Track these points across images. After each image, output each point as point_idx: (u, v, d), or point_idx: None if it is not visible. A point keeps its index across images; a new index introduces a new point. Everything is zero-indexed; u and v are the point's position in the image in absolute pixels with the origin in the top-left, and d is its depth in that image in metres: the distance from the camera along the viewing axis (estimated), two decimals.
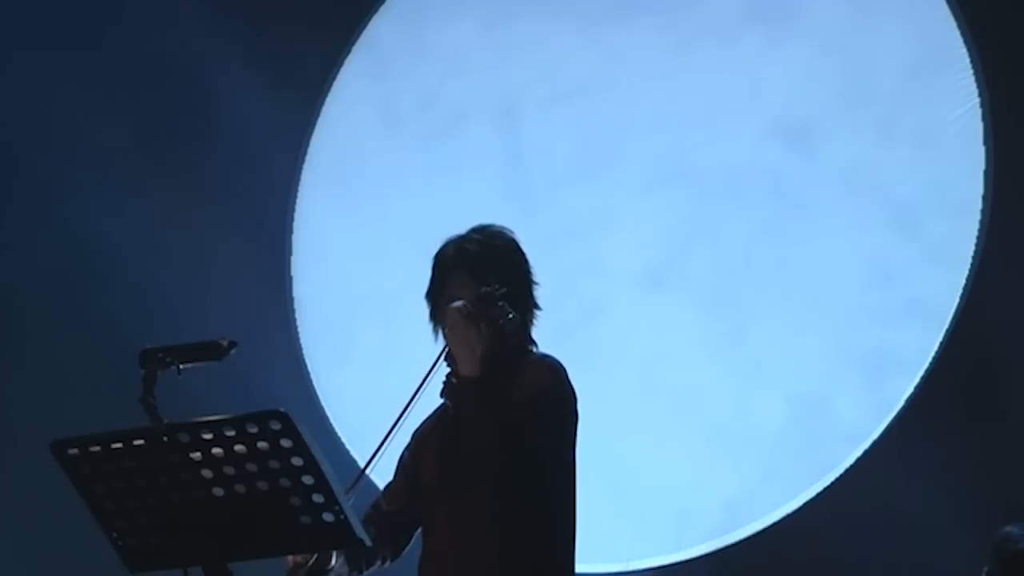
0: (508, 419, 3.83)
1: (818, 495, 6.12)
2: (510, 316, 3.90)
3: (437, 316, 4.07)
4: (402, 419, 3.94)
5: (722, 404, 6.30)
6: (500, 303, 3.89)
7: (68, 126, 7.43)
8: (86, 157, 7.48)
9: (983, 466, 5.90)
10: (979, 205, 6.05)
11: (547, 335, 4.12)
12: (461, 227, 4.16)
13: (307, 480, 3.27)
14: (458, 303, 3.89)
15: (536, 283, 4.14)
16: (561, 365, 4.03)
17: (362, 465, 3.95)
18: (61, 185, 7.52)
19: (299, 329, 7.27)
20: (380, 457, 3.96)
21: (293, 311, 7.29)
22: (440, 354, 3.99)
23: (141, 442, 3.30)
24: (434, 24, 7.18)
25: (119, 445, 3.32)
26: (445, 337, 3.99)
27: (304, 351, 7.23)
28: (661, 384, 6.39)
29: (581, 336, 6.23)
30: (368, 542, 3.41)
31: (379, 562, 4.08)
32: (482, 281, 3.94)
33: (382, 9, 7.31)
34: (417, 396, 3.94)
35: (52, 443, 3.37)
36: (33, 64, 7.45)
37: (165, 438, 3.27)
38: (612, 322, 6.54)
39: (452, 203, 6.73)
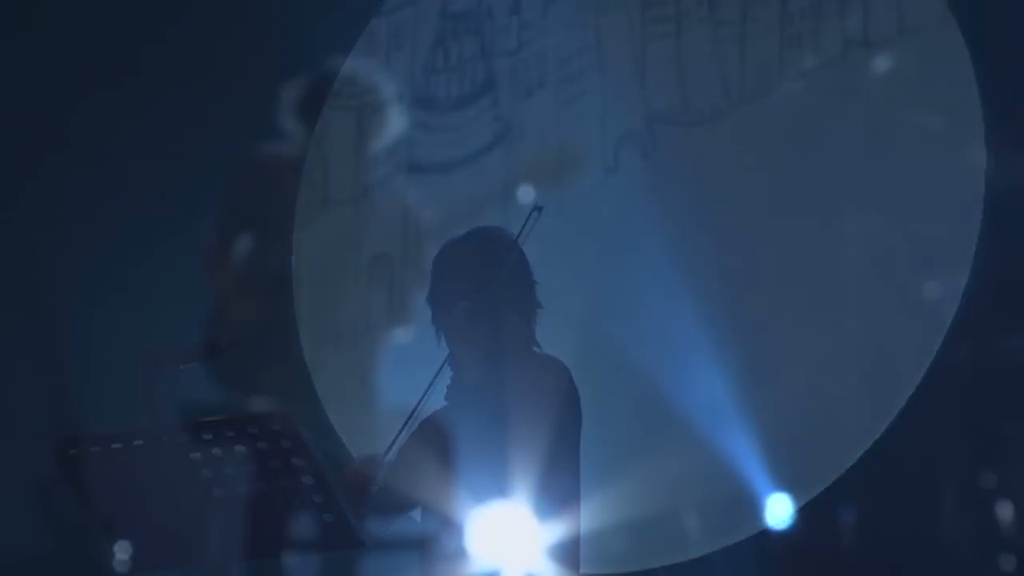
0: (512, 420, 3.82)
1: (818, 495, 6.11)
2: (515, 318, 3.91)
3: (439, 319, 4.06)
4: (407, 425, 3.94)
5: (722, 404, 6.29)
6: (504, 305, 3.90)
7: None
8: (95, 164, 7.48)
9: (983, 466, 5.89)
10: (979, 205, 6.04)
11: (547, 336, 4.12)
12: (460, 227, 4.16)
13: (307, 480, 3.28)
14: (463, 304, 3.89)
15: (536, 282, 4.14)
16: (565, 366, 4.03)
17: None
18: (66, 186, 7.53)
19: (299, 329, 7.26)
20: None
21: (293, 311, 7.28)
22: (445, 361, 3.99)
23: (141, 442, 3.31)
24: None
25: (119, 445, 3.32)
26: (448, 339, 3.99)
27: (304, 351, 7.23)
28: (661, 384, 6.38)
29: (581, 336, 6.22)
30: (368, 543, 3.41)
31: None
32: (483, 283, 3.95)
33: (382, 10, 7.31)
34: (421, 403, 3.94)
35: (52, 443, 3.37)
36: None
37: (165, 438, 3.28)
38: (612, 323, 6.53)
39: (451, 202, 6.74)
